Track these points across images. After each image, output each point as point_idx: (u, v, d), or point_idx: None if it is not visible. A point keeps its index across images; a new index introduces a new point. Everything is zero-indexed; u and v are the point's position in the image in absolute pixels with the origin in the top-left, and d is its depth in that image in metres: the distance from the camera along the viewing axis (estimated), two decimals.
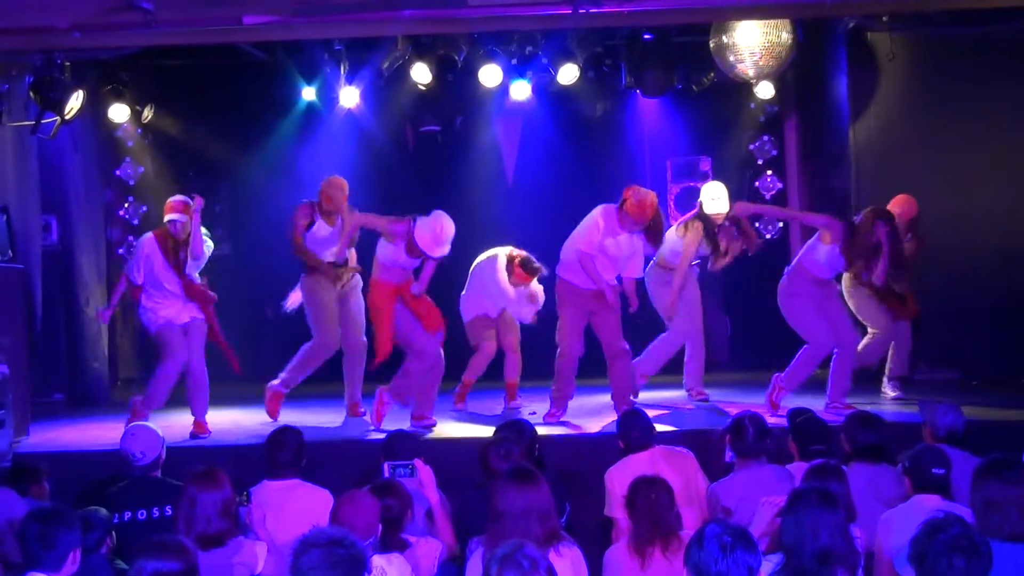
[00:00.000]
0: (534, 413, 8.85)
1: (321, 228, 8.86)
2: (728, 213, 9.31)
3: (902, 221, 9.14)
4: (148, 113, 11.70)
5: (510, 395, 9.52)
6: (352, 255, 9.12)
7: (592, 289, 8.66)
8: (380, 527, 5.14)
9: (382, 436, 7.10)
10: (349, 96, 11.18)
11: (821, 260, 8.75)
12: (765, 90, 11.30)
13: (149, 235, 8.81)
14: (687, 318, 9.39)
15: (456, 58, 10.80)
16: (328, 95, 11.31)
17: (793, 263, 9.00)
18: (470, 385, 9.58)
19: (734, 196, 9.60)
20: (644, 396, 9.11)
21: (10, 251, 8.80)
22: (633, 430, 6.50)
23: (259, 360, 9.53)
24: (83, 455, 8.00)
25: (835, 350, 8.79)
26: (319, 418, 9.01)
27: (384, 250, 8.69)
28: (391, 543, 5.24)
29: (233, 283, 11.75)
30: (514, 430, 6.58)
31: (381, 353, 8.61)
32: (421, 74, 10.91)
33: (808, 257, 8.83)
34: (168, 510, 5.86)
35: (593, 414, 8.78)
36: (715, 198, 9.32)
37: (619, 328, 8.81)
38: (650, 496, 5.21)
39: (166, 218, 8.70)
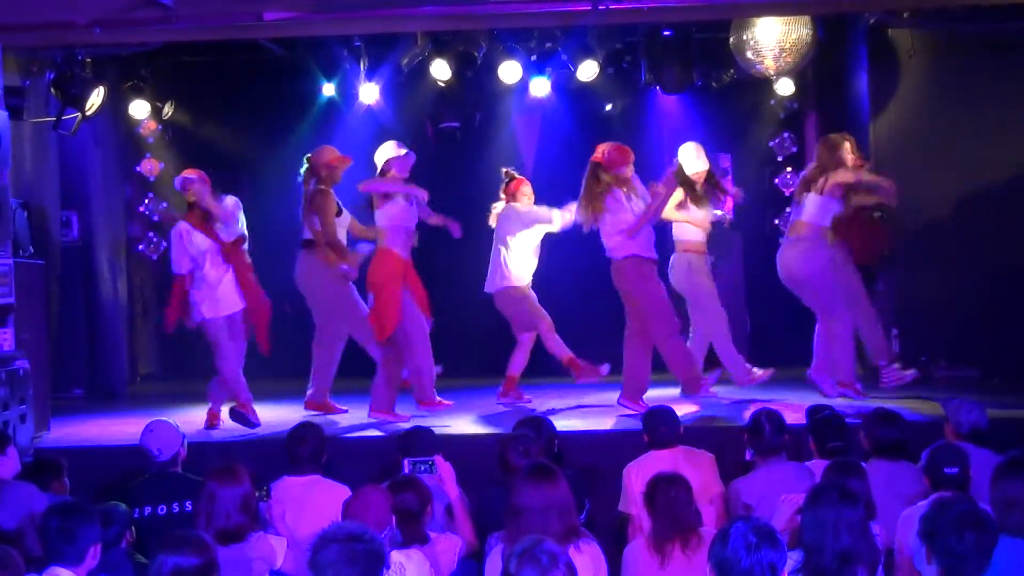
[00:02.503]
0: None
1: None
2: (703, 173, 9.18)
3: None
4: (168, 109, 11.75)
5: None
6: None
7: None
8: (393, 521, 5.13)
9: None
10: (369, 92, 11.20)
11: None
12: (785, 87, 11.28)
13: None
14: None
15: (476, 54, 10.80)
16: (348, 91, 11.32)
17: None
18: (516, 380, 9.37)
19: (753, 193, 9.56)
20: (662, 393, 9.11)
21: (31, 247, 8.82)
22: (660, 426, 6.45)
23: (278, 355, 9.51)
24: (103, 450, 8.01)
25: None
26: (340, 414, 9.00)
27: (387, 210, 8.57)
28: (410, 539, 5.24)
29: None
30: (533, 426, 6.57)
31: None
32: (441, 70, 10.91)
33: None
34: (188, 505, 5.88)
35: (613, 410, 8.75)
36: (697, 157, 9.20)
37: None
38: (669, 493, 5.19)
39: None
